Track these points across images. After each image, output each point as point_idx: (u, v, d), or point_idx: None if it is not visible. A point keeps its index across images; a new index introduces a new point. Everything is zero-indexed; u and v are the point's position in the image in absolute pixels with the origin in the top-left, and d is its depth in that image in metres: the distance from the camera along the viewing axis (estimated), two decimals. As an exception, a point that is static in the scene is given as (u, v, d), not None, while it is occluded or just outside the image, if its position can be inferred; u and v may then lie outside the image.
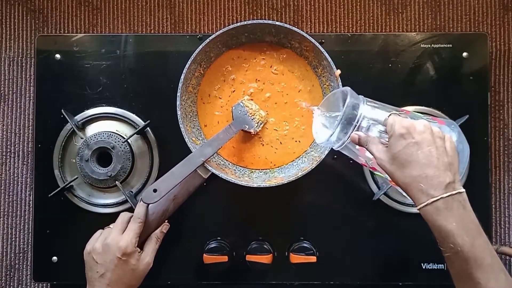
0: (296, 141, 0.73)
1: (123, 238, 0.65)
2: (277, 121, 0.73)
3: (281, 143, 0.73)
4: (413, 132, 0.54)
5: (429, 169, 0.53)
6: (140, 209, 0.68)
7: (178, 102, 0.68)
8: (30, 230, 0.82)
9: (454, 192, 0.52)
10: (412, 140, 0.54)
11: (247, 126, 0.70)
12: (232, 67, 0.74)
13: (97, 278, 0.64)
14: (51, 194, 0.73)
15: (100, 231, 0.70)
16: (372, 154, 0.57)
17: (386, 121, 0.57)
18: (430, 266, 0.75)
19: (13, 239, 0.84)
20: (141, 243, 0.68)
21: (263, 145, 0.73)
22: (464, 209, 0.53)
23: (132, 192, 0.75)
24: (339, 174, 0.76)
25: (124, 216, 0.69)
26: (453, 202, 0.52)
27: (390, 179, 0.58)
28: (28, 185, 0.84)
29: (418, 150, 0.53)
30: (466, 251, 0.51)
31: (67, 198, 0.76)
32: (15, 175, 0.85)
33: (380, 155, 0.56)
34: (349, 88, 0.60)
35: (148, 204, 0.68)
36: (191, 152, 0.68)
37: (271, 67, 0.73)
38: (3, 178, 0.85)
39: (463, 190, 0.54)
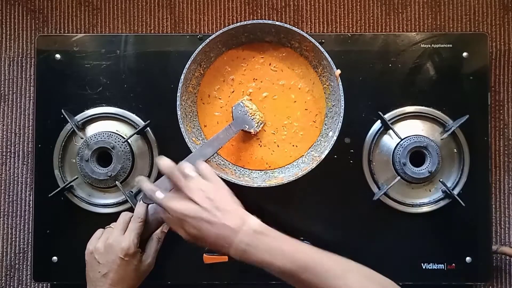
0: (293, 146, 0.73)
1: (125, 239, 0.65)
2: (275, 125, 0.73)
3: (278, 146, 0.73)
4: (186, 213, 0.56)
5: (217, 228, 0.55)
6: (140, 208, 0.69)
7: (178, 102, 0.68)
8: (30, 230, 0.82)
9: (244, 228, 0.55)
10: (190, 219, 0.56)
11: (247, 126, 0.70)
12: (231, 67, 0.74)
13: (99, 278, 0.64)
14: (51, 194, 0.73)
15: (100, 230, 0.70)
16: None
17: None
18: (430, 266, 0.75)
19: (13, 239, 0.84)
20: (142, 243, 0.68)
21: (260, 146, 0.73)
22: (264, 235, 0.56)
23: (132, 192, 0.75)
24: (339, 174, 0.76)
25: (125, 216, 0.69)
26: (249, 236, 0.55)
27: None
28: (28, 185, 0.84)
29: (199, 223, 0.56)
30: (289, 267, 0.54)
31: (67, 198, 0.76)
32: (15, 175, 0.84)
33: (184, 236, 0.59)
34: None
35: (148, 204, 0.69)
36: (191, 152, 0.68)
37: (270, 64, 0.73)
38: (3, 178, 0.85)
39: (253, 219, 0.57)
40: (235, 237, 0.55)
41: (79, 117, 0.76)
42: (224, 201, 0.58)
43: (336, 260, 0.56)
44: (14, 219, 0.84)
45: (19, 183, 0.84)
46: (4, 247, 0.84)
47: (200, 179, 0.59)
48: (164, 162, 0.61)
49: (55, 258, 0.76)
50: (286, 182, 0.67)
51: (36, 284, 0.83)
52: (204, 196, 0.57)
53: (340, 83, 0.67)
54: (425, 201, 0.75)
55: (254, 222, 0.56)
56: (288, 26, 0.68)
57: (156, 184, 0.62)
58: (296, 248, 0.56)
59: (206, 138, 0.73)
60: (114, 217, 0.71)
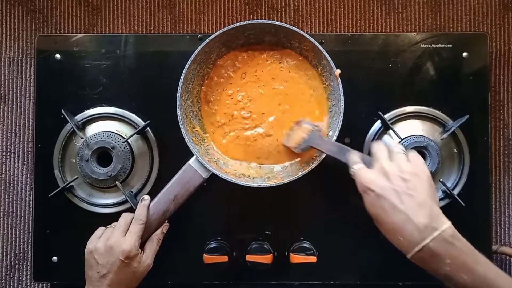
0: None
1: (126, 241, 0.65)
2: (272, 126, 0.73)
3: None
4: (370, 185, 0.52)
5: (399, 216, 0.50)
6: (141, 210, 0.69)
7: (178, 102, 0.68)
8: (30, 230, 0.82)
9: (435, 234, 0.49)
10: (373, 193, 0.52)
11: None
12: (230, 67, 0.74)
13: (98, 278, 0.64)
14: (51, 194, 0.73)
15: (101, 228, 0.70)
16: None
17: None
18: (430, 266, 0.75)
19: (13, 239, 0.84)
20: (141, 244, 0.68)
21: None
22: (453, 245, 0.49)
23: (132, 192, 0.75)
24: (339, 174, 0.75)
25: (126, 217, 0.69)
26: (438, 245, 0.49)
27: None
28: (28, 185, 0.84)
29: (383, 202, 0.51)
30: (469, 287, 0.49)
31: (67, 198, 0.75)
32: (15, 175, 0.85)
33: (365, 205, 0.55)
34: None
35: (148, 205, 0.69)
36: (191, 152, 0.68)
37: (269, 65, 0.73)
38: (3, 178, 0.85)
39: (447, 224, 0.50)
40: (421, 240, 0.49)
41: (79, 117, 0.76)
42: (421, 190, 0.51)
43: None
44: (14, 219, 0.84)
45: (19, 183, 0.84)
46: (4, 247, 0.84)
47: (404, 158, 0.54)
48: (378, 143, 0.58)
49: (55, 258, 0.76)
50: (286, 182, 0.67)
51: (36, 284, 0.83)
52: (399, 176, 0.51)
53: (340, 83, 0.67)
54: (425, 201, 0.75)
55: (448, 227, 0.49)
56: (288, 26, 0.68)
57: (361, 158, 0.58)
58: (484, 270, 0.49)
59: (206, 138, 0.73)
60: (114, 217, 0.71)
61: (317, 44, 0.67)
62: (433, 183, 0.53)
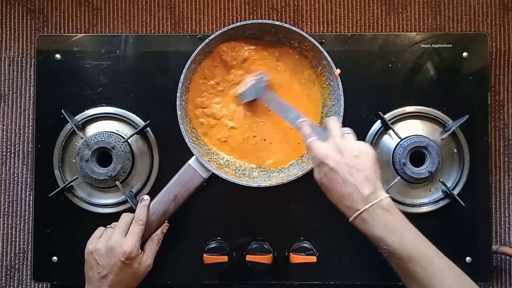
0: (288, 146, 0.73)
1: (127, 242, 0.65)
2: (272, 125, 0.73)
3: (272, 145, 0.74)
4: (326, 159, 0.58)
5: (349, 187, 0.57)
6: (141, 210, 0.69)
7: (178, 102, 0.68)
8: (30, 230, 0.82)
9: (375, 201, 0.56)
10: (328, 167, 0.57)
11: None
12: (231, 67, 0.74)
13: (98, 279, 0.64)
14: (51, 194, 0.73)
15: (101, 228, 0.70)
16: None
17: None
18: (430, 266, 0.75)
19: (13, 239, 0.84)
20: (141, 244, 0.68)
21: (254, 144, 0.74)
22: (389, 213, 0.56)
23: (132, 192, 0.75)
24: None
25: (127, 217, 0.69)
26: (376, 210, 0.56)
27: None
28: (28, 185, 0.84)
29: (335, 174, 0.57)
30: (397, 249, 0.55)
31: (67, 198, 0.75)
32: (15, 175, 0.84)
33: (315, 175, 0.60)
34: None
35: (148, 205, 0.69)
36: (191, 152, 0.68)
37: (269, 64, 0.73)
38: (3, 178, 0.85)
39: (386, 195, 0.57)
40: (363, 206, 0.56)
41: (79, 117, 0.76)
42: (368, 166, 0.58)
43: (447, 265, 0.56)
44: (14, 219, 0.84)
45: (19, 183, 0.84)
46: (4, 247, 0.84)
47: (354, 140, 0.60)
48: (334, 119, 0.63)
49: (55, 258, 0.75)
50: (286, 181, 0.67)
51: (36, 284, 0.83)
52: (352, 154, 0.58)
53: (340, 83, 0.67)
54: (425, 201, 0.75)
55: (385, 198, 0.57)
56: (287, 25, 0.68)
57: (315, 130, 0.63)
58: (412, 236, 0.56)
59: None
60: (114, 217, 0.71)
61: (317, 44, 0.67)
62: (377, 161, 0.59)
